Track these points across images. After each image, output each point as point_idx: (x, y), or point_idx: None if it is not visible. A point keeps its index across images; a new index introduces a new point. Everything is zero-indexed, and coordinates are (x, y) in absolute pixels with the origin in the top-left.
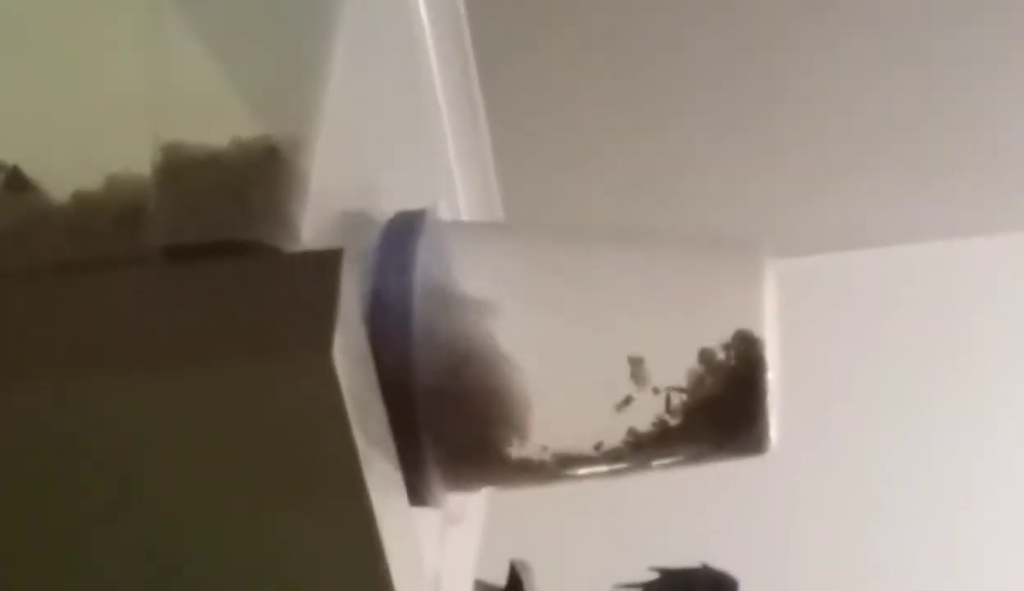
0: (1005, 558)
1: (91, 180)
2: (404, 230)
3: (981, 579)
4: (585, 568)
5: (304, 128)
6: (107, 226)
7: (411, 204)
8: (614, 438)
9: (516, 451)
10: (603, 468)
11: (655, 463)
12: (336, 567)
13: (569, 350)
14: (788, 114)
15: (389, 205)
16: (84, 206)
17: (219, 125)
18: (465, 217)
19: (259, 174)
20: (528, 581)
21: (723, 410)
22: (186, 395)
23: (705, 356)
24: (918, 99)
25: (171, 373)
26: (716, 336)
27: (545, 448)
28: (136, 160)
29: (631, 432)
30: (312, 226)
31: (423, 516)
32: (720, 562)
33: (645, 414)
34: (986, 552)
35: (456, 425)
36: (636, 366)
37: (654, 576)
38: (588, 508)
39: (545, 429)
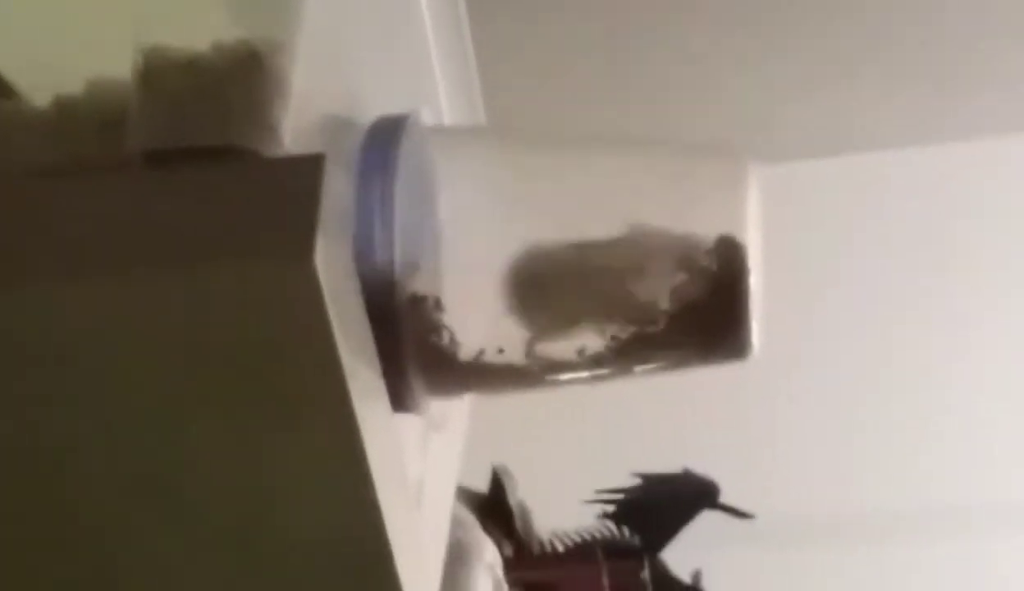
0: (983, 455)
1: (72, 85)
2: (386, 135)
3: (960, 478)
4: (567, 474)
5: (285, 32)
6: (88, 131)
7: (393, 109)
8: (597, 344)
9: (498, 357)
10: (585, 374)
11: (637, 369)
12: (319, 473)
13: (551, 256)
14: (771, 20)
15: (371, 110)
16: (65, 111)
17: (200, 29)
18: (448, 123)
19: (240, 78)
20: (510, 487)
21: (705, 315)
22: (169, 300)
23: (688, 261)
24: (901, 4)
25: (153, 278)
26: (700, 240)
27: (528, 353)
28: (117, 65)
29: (614, 338)
30: (293, 131)
31: (406, 423)
32: (702, 467)
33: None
34: (964, 450)
35: (437, 331)
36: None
37: (636, 482)
38: (570, 415)
39: (524, 334)
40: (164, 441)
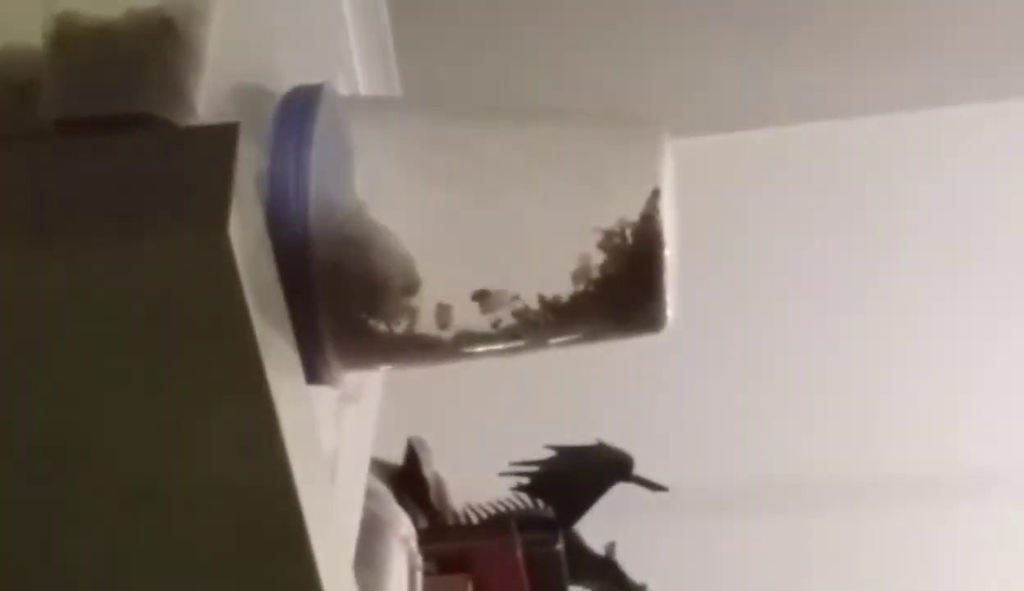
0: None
1: None
2: (301, 105)
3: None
4: (482, 446)
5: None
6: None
7: (308, 78)
8: (512, 316)
9: (412, 328)
10: (500, 346)
11: (552, 341)
12: (233, 445)
13: (465, 226)
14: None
15: (286, 80)
16: None
17: None
18: (363, 92)
19: (153, 46)
20: (425, 459)
21: (620, 287)
22: (82, 270)
23: (603, 233)
24: None
25: (66, 248)
26: (614, 213)
27: (442, 325)
28: (28, 32)
29: (529, 310)
30: (207, 100)
31: (320, 394)
32: (616, 440)
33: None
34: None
35: (352, 302)
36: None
37: (550, 454)
38: (485, 387)
39: (440, 305)
40: (77, 412)
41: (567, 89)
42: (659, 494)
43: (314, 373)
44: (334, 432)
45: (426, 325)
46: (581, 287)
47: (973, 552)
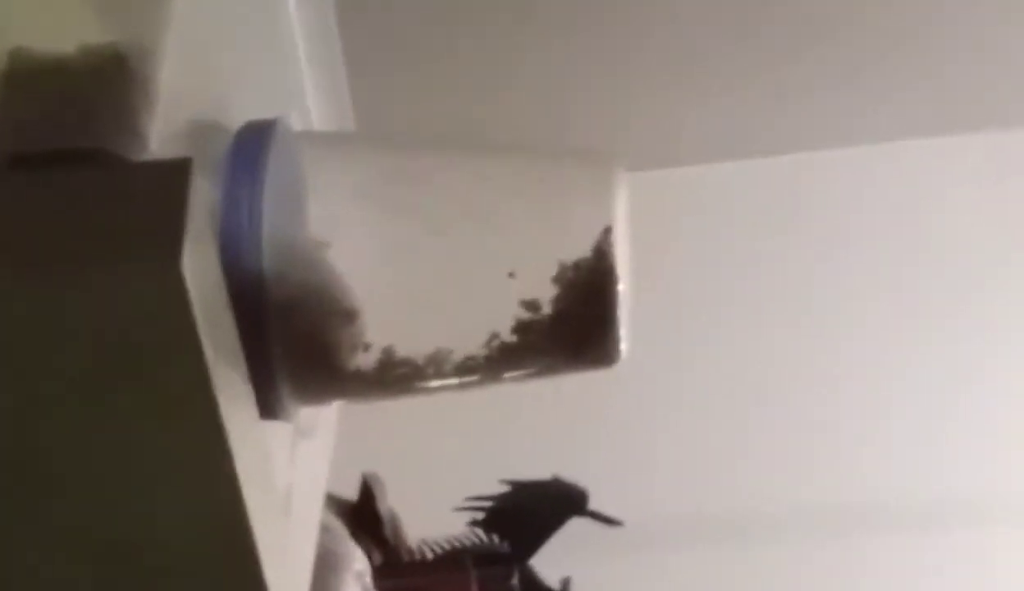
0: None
1: None
2: (254, 140)
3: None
4: (436, 481)
5: (152, 35)
6: None
7: (262, 114)
8: (466, 351)
9: (365, 362)
10: (455, 381)
11: (507, 375)
12: (186, 480)
13: (420, 260)
14: (645, 24)
15: (240, 115)
16: None
17: (66, 31)
18: (317, 128)
19: (106, 82)
20: (380, 494)
21: (574, 321)
22: (33, 305)
23: (557, 267)
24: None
25: (18, 282)
26: (567, 247)
27: (396, 360)
28: None
29: (483, 345)
30: (160, 135)
31: (274, 429)
32: (571, 474)
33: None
34: (832, 450)
35: (306, 337)
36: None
37: (505, 489)
38: (440, 422)
39: (395, 340)
40: (27, 448)
41: (522, 124)
42: (614, 528)
43: (267, 408)
44: (288, 467)
45: (379, 360)
46: (535, 321)
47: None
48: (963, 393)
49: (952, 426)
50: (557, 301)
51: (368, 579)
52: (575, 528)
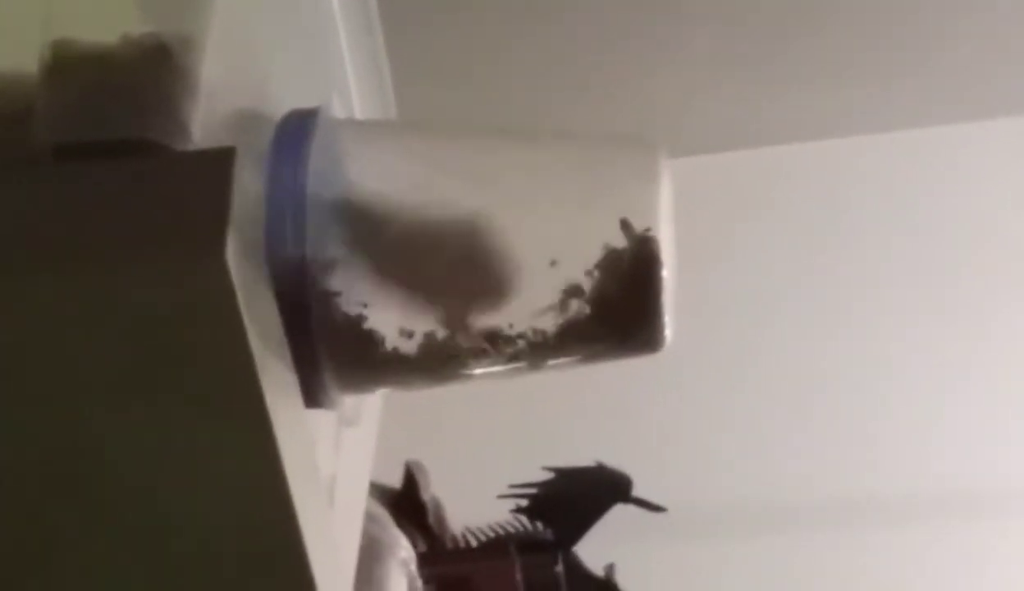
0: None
1: None
2: (297, 129)
3: (870, 468)
4: (480, 469)
5: (194, 25)
6: None
7: (304, 103)
8: (511, 337)
9: (408, 349)
10: (499, 368)
11: (551, 363)
12: (233, 470)
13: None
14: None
15: (282, 104)
16: None
17: (109, 22)
18: (359, 117)
19: (149, 72)
20: (423, 482)
21: (618, 308)
22: (80, 297)
23: (601, 253)
24: None
25: (64, 274)
26: (612, 234)
27: (439, 346)
28: (25, 58)
29: (527, 332)
30: (203, 124)
31: (318, 418)
32: (615, 461)
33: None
34: (874, 440)
35: (349, 325)
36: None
37: (549, 476)
38: (483, 409)
39: (439, 328)
40: (77, 437)
41: (563, 110)
42: (658, 515)
43: (312, 396)
44: (333, 456)
45: (423, 347)
46: (580, 308)
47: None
48: (1005, 382)
49: (992, 416)
50: (603, 287)
51: (413, 567)
52: (619, 515)
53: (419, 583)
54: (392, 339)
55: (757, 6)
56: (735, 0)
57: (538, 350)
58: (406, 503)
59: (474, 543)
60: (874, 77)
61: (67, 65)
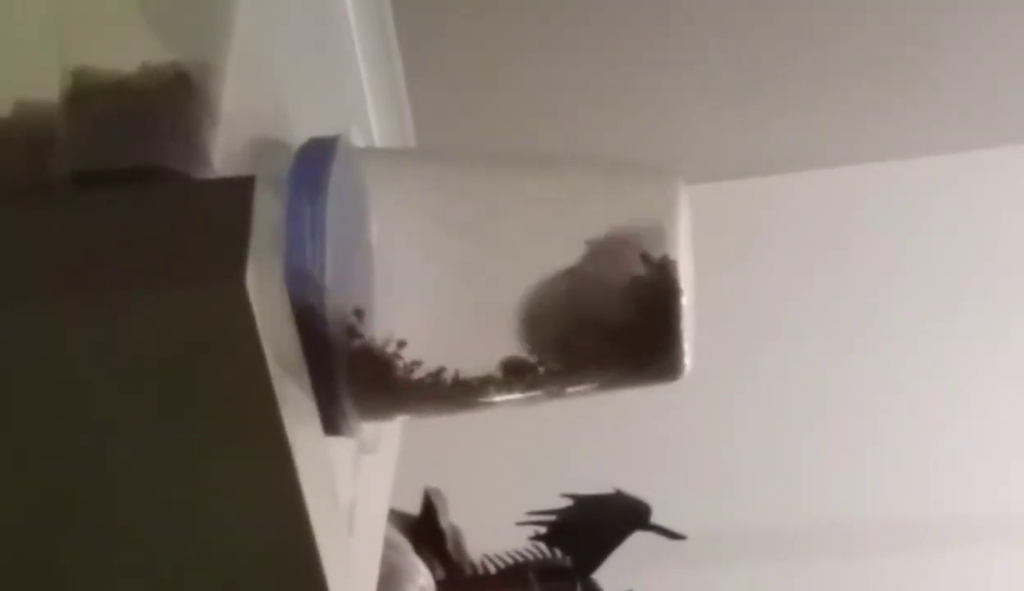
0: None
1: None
2: (317, 156)
3: (893, 493)
4: (498, 495)
5: (213, 53)
6: (15, 154)
7: (323, 130)
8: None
9: (429, 378)
10: (517, 395)
11: (570, 390)
12: (251, 498)
13: (481, 277)
14: (703, 39)
15: (301, 131)
16: None
17: (128, 50)
18: (378, 144)
19: (169, 99)
20: (442, 509)
21: (637, 336)
22: (98, 324)
23: (619, 281)
24: (829, 25)
25: (83, 301)
26: (631, 262)
27: (458, 374)
28: (45, 86)
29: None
30: (223, 152)
31: (337, 445)
32: (634, 488)
33: None
34: (896, 465)
35: (368, 353)
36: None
37: (567, 503)
38: (501, 436)
39: (457, 357)
40: (94, 467)
41: (581, 138)
42: (677, 542)
43: (332, 424)
44: (352, 483)
45: (443, 375)
46: (598, 336)
47: None
48: None
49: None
50: (621, 315)
51: None
52: (638, 542)
53: None
54: (411, 367)
55: (770, 34)
56: (750, 26)
57: (557, 378)
58: (425, 530)
59: (493, 570)
60: (887, 105)
61: (87, 93)
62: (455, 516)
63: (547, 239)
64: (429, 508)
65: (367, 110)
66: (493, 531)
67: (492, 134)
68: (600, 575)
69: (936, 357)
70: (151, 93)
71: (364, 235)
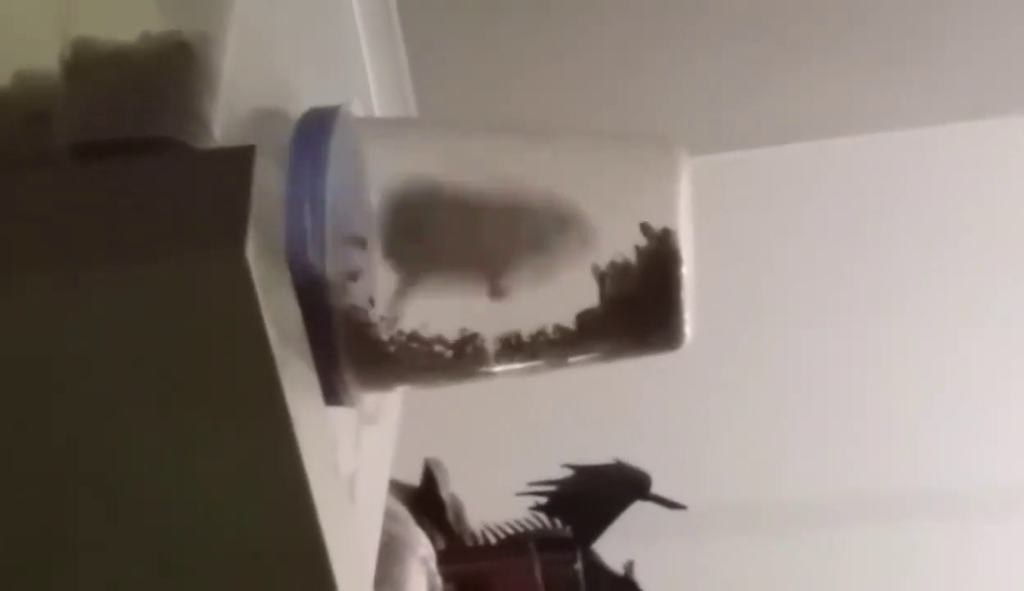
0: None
1: None
2: (317, 127)
3: (887, 464)
4: (499, 466)
5: (214, 23)
6: (16, 124)
7: (324, 101)
8: (531, 335)
9: (429, 348)
10: (518, 365)
11: (571, 360)
12: (253, 468)
13: (481, 245)
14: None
15: (302, 102)
16: None
17: (129, 20)
18: (378, 114)
19: (169, 70)
20: (442, 480)
21: (638, 305)
22: (99, 295)
23: (620, 251)
24: None
25: (83, 273)
26: (631, 231)
27: (457, 344)
28: (45, 57)
29: (545, 330)
30: (224, 122)
31: (338, 416)
32: (634, 458)
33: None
34: (890, 436)
35: (368, 323)
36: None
37: (568, 473)
38: (502, 407)
39: (456, 326)
40: (97, 439)
41: (583, 109)
42: (677, 512)
43: (332, 394)
44: (353, 454)
45: (444, 345)
46: (599, 305)
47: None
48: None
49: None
50: (622, 285)
51: (432, 564)
52: (638, 512)
53: (438, 581)
54: (411, 337)
55: (776, 3)
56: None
57: (558, 347)
58: (425, 501)
59: (493, 541)
60: (896, 74)
61: (87, 64)
62: (455, 487)
63: (547, 206)
64: (430, 479)
65: (368, 80)
66: (493, 501)
67: (494, 106)
68: (600, 545)
69: (935, 332)
70: (151, 64)
71: (365, 204)
